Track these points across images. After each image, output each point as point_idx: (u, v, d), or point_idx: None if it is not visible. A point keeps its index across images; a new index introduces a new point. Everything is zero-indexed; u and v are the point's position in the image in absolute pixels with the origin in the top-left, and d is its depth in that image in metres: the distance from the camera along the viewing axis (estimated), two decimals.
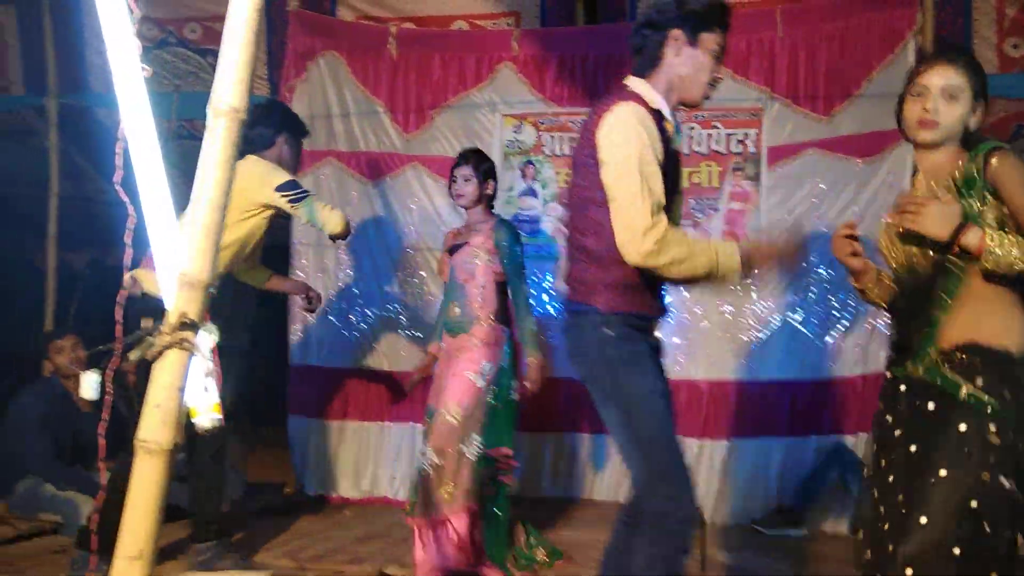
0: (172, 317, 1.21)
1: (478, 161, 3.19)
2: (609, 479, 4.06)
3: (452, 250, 3.21)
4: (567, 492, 4.11)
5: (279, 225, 3.29)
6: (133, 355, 1.20)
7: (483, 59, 4.21)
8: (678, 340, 3.98)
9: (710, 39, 1.96)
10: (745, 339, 3.92)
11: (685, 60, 1.96)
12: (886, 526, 1.76)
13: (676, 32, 1.95)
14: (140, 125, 1.32)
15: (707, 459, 3.88)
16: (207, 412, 1.29)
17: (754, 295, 3.92)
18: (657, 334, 2.03)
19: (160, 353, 1.18)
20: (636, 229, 1.80)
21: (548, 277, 4.19)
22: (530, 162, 4.23)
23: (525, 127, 4.21)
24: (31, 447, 3.63)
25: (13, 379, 4.54)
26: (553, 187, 4.20)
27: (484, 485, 2.97)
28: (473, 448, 2.94)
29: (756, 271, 1.90)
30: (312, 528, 3.67)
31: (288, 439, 4.31)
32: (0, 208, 5.79)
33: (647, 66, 2.00)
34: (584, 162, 1.93)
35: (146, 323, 1.25)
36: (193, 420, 1.29)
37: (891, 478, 1.79)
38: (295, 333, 4.32)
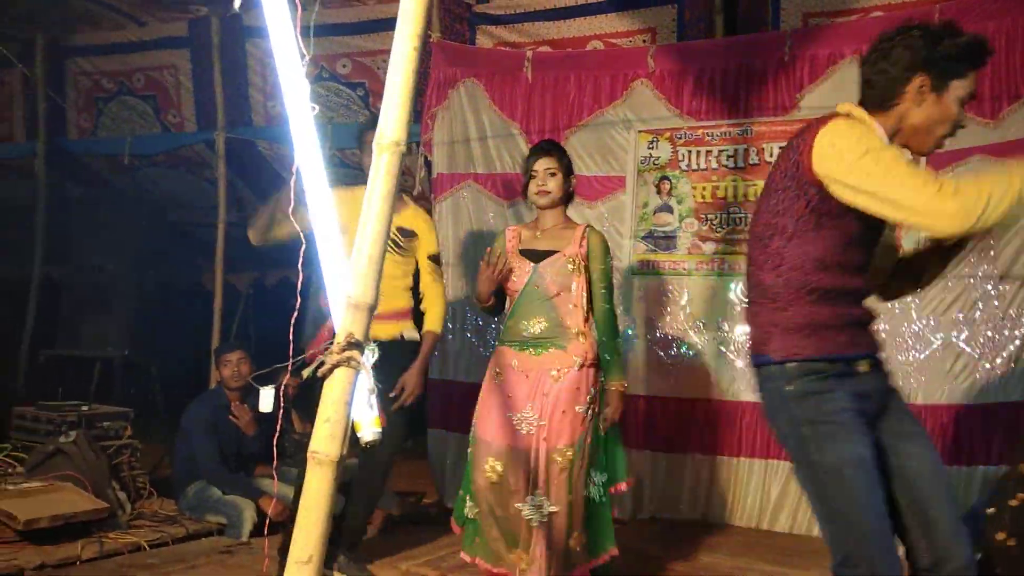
0: (340, 337, 1.30)
1: (561, 153, 2.85)
2: (751, 505, 3.92)
3: (532, 256, 2.79)
4: (705, 516, 4.00)
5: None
6: (306, 372, 1.30)
7: (617, 77, 4.22)
8: None
9: (960, 86, 1.68)
10: (902, 359, 3.69)
11: (926, 110, 1.69)
12: None
13: (921, 79, 1.67)
14: (310, 159, 1.43)
15: None
16: (370, 426, 1.37)
17: (913, 313, 3.69)
18: (865, 371, 1.73)
19: (330, 371, 1.27)
20: (927, 201, 1.51)
21: (684, 294, 4.12)
22: (665, 178, 4.19)
23: (660, 143, 4.18)
24: (199, 453, 3.94)
25: (185, 389, 4.97)
26: (689, 202, 4.14)
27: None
28: (595, 489, 2.67)
29: None
30: (453, 539, 3.76)
31: (428, 451, 4.46)
32: (175, 234, 6.39)
33: (875, 103, 1.74)
34: (778, 186, 1.72)
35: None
36: (358, 434, 1.37)
37: None
38: (434, 349, 4.47)
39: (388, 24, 4.71)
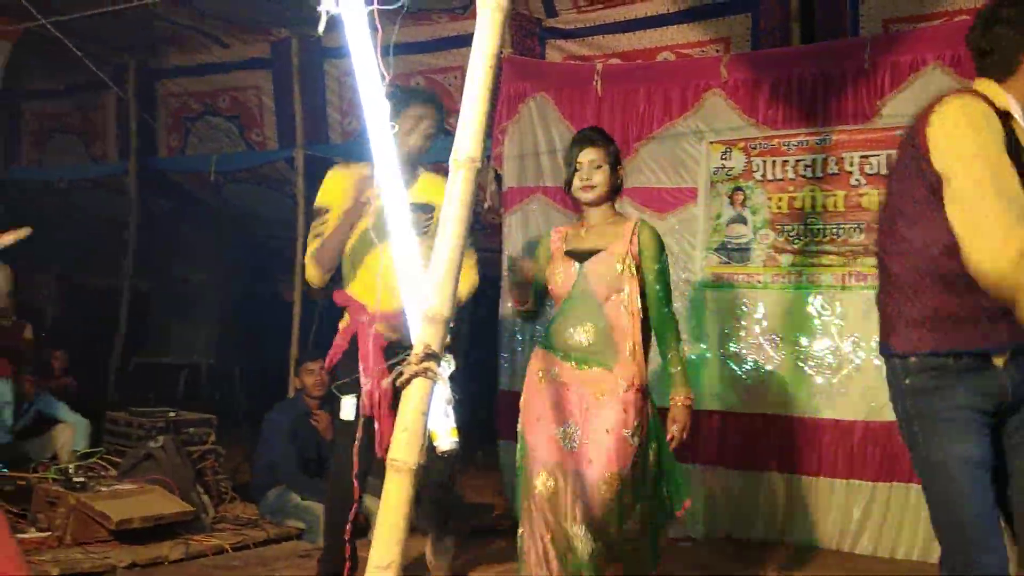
0: (417, 348, 1.33)
1: (606, 142, 2.56)
2: (832, 526, 3.78)
3: (578, 256, 2.52)
4: (783, 536, 3.88)
5: (487, 260, 3.37)
6: (385, 382, 1.34)
7: (689, 88, 4.18)
8: None
9: None
10: None
11: None
12: None
13: None
14: (389, 176, 1.48)
15: None
16: (447, 436, 1.40)
17: None
18: (1001, 365, 1.62)
19: (408, 381, 1.31)
20: (991, 232, 1.44)
21: (760, 308, 4.03)
22: (739, 188, 4.12)
23: (734, 153, 4.12)
24: (279, 459, 4.06)
25: (266, 396, 5.14)
26: (764, 213, 4.05)
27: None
28: (642, 524, 2.40)
29: None
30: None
31: (498, 463, 4.48)
32: (257, 247, 6.65)
33: (997, 71, 1.66)
34: (901, 167, 1.67)
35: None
36: (435, 443, 1.40)
37: None
38: (504, 360, 4.50)
39: (459, 41, 4.81)
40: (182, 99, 6.08)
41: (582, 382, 2.42)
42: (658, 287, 2.48)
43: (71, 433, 4.80)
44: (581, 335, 2.44)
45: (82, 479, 3.62)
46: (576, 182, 2.52)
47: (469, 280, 2.87)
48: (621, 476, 2.33)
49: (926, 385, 1.62)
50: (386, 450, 2.42)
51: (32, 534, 3.44)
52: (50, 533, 3.43)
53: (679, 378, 2.47)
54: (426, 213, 2.83)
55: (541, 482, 2.41)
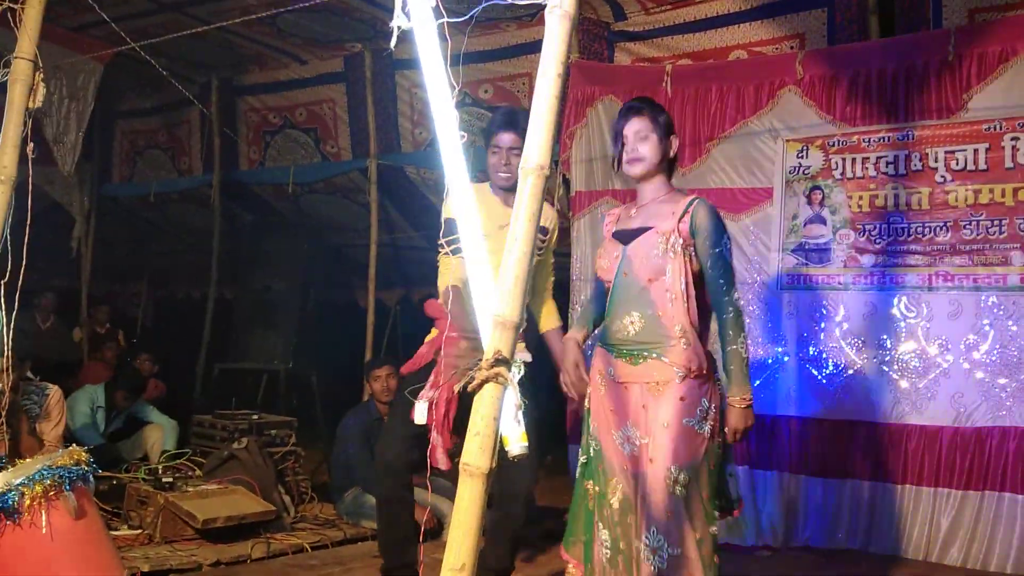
0: (488, 354, 1.35)
1: (654, 111, 2.33)
2: (919, 536, 3.62)
3: (623, 237, 2.33)
4: (866, 546, 3.74)
5: (557, 264, 3.35)
6: (457, 387, 1.36)
7: (763, 86, 4.09)
8: (1004, 380, 3.49)
9: None
10: None
11: None
12: None
13: None
14: (460, 184, 1.50)
15: None
16: (517, 441, 1.41)
17: None
18: None
19: (480, 386, 1.32)
20: None
21: (840, 310, 3.91)
22: (817, 187, 4.00)
23: (811, 151, 4.00)
24: (354, 461, 4.16)
25: (342, 399, 5.27)
26: (844, 212, 3.93)
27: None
28: (718, 524, 2.20)
29: None
30: None
31: (568, 466, 4.47)
32: (332, 255, 6.83)
33: None
34: None
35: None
36: (506, 448, 1.41)
37: None
38: None
39: (528, 48, 4.84)
40: (261, 114, 6.31)
41: (638, 378, 2.24)
42: (716, 273, 2.23)
43: (160, 434, 5.04)
44: (629, 326, 2.25)
45: (170, 479, 3.79)
46: (624, 156, 2.34)
47: (555, 311, 3.02)
48: (687, 470, 2.14)
49: None
50: (444, 460, 2.47)
51: (125, 531, 3.62)
52: (141, 531, 3.61)
53: (736, 376, 2.22)
54: (542, 235, 2.82)
55: (610, 489, 2.27)
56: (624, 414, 2.24)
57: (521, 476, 2.71)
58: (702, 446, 2.17)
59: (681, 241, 2.22)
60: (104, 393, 5.08)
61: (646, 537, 2.14)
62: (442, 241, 2.67)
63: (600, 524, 2.30)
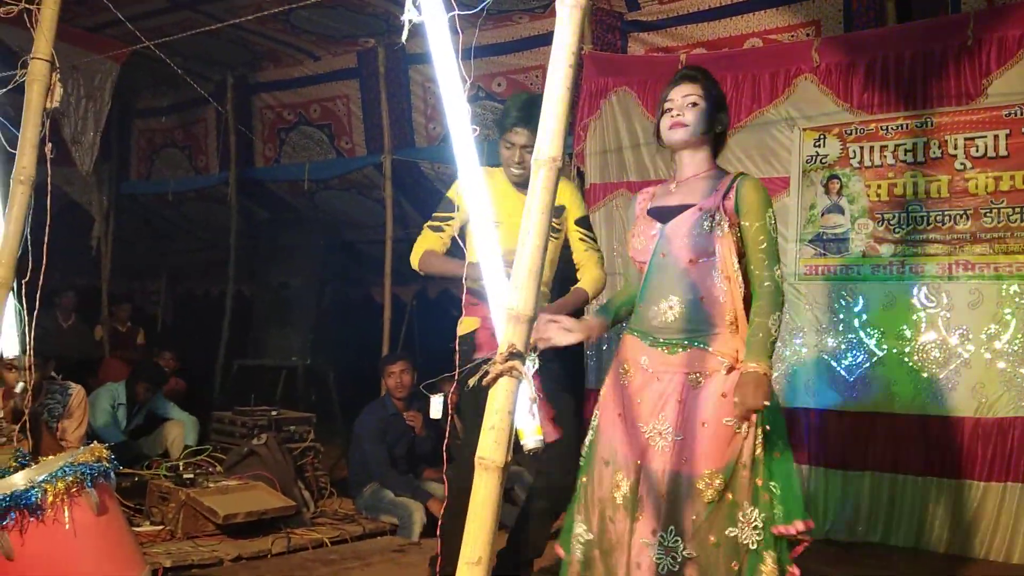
0: (503, 347, 1.34)
1: (709, 81, 2.14)
2: (939, 529, 3.59)
3: (660, 215, 2.13)
4: (887, 538, 3.70)
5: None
6: (472, 381, 1.36)
7: (778, 74, 4.05)
8: None
9: None
10: None
11: None
12: None
13: None
14: (472, 179, 1.50)
15: None
16: (532, 435, 1.41)
17: None
18: None
19: (495, 380, 1.32)
20: None
21: (859, 300, 3.87)
22: (835, 176, 3.96)
23: (828, 140, 3.96)
24: (371, 458, 4.17)
25: (360, 395, 5.30)
26: (863, 201, 3.88)
27: None
28: (750, 530, 1.99)
29: None
30: None
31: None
32: (348, 251, 6.85)
33: None
34: None
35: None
36: (521, 442, 1.41)
37: None
38: (590, 359, 4.48)
39: (541, 40, 4.81)
40: (276, 111, 6.33)
41: (676, 368, 2.06)
42: (761, 249, 2.05)
43: (180, 430, 5.09)
44: (667, 312, 2.07)
45: (191, 475, 3.82)
46: (665, 121, 2.11)
47: (596, 278, 2.86)
48: (722, 474, 1.98)
49: None
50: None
51: (147, 527, 3.66)
52: (163, 527, 3.65)
53: (758, 346, 1.99)
54: (556, 216, 2.71)
55: (612, 484, 2.11)
56: (656, 405, 2.07)
57: (564, 467, 2.57)
58: (735, 447, 2.00)
59: (727, 219, 2.05)
60: (125, 390, 5.14)
61: (661, 535, 2.00)
62: (437, 215, 2.78)
63: (578, 518, 2.18)
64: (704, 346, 2.06)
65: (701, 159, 2.15)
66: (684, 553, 1.98)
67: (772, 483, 2.03)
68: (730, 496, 2.00)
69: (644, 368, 2.11)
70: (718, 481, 1.98)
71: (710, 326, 2.06)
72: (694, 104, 2.09)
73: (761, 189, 2.11)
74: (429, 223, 2.81)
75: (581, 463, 2.24)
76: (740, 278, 2.06)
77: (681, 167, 2.17)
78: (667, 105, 2.13)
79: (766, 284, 2.06)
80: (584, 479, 2.21)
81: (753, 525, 1.98)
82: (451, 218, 2.75)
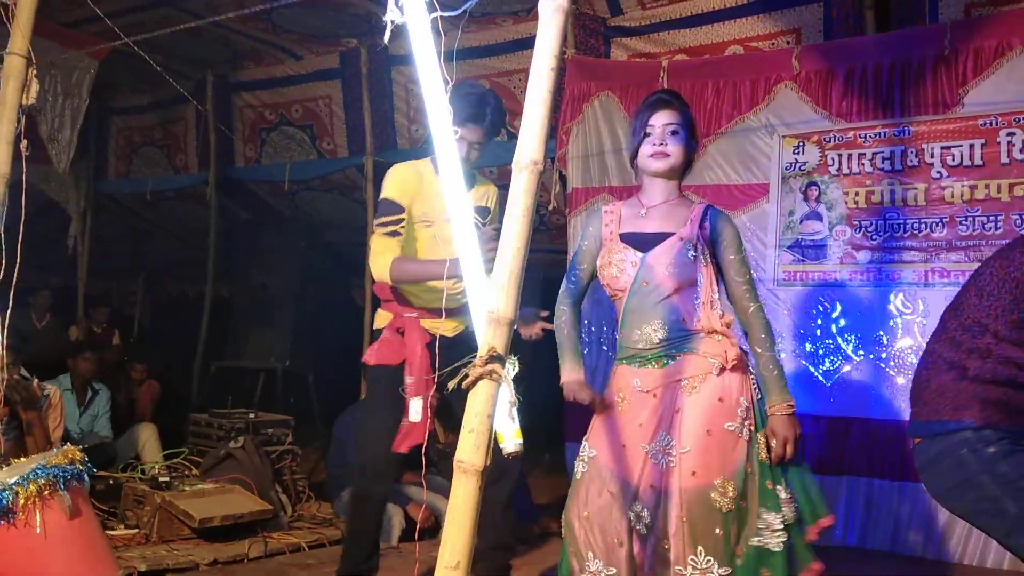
0: (483, 351, 1.34)
1: (683, 107, 2.19)
2: (916, 532, 3.63)
3: (638, 242, 2.16)
4: (862, 543, 3.74)
5: (552, 261, 3.33)
6: (451, 384, 1.35)
7: (759, 81, 4.08)
8: None
9: None
10: None
11: None
12: None
13: None
14: (453, 180, 1.49)
15: None
16: (512, 438, 1.40)
17: None
18: None
19: (474, 383, 1.31)
20: None
21: (837, 307, 3.90)
22: (813, 183, 4.00)
23: (807, 147, 4.00)
24: (351, 460, 4.15)
25: (339, 398, 5.27)
26: (840, 208, 3.92)
27: None
28: (770, 534, 2.00)
29: None
30: None
31: (566, 465, 4.46)
32: (329, 253, 6.82)
33: None
34: (993, 292, 1.89)
35: None
36: (500, 445, 1.41)
37: None
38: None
39: (524, 44, 4.82)
40: (257, 110, 6.29)
41: (669, 378, 2.09)
42: (742, 280, 2.16)
43: (153, 432, 5.01)
44: (652, 334, 2.11)
45: (167, 478, 3.77)
46: (646, 148, 2.16)
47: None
48: (733, 481, 1.99)
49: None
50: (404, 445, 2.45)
51: (121, 531, 3.61)
52: (137, 530, 3.60)
53: (775, 383, 2.12)
54: (483, 216, 2.78)
55: (637, 512, 2.05)
56: (656, 421, 2.08)
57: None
58: (740, 451, 2.03)
59: (706, 248, 2.14)
60: (70, 378, 5.02)
61: (692, 559, 1.97)
62: (378, 222, 2.64)
63: (591, 554, 2.09)
64: (692, 351, 2.10)
65: (673, 186, 2.21)
66: (720, 572, 1.97)
67: (786, 485, 2.07)
68: (744, 504, 2.01)
69: (638, 389, 2.13)
70: (731, 489, 1.99)
71: (695, 334, 2.12)
72: (674, 133, 2.16)
73: (734, 223, 2.22)
74: (382, 230, 2.63)
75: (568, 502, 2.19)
76: (719, 304, 2.16)
77: (651, 192, 2.21)
78: (648, 131, 2.17)
79: (759, 317, 2.18)
80: (584, 514, 2.13)
81: (773, 529, 2.00)
82: (402, 220, 2.65)
